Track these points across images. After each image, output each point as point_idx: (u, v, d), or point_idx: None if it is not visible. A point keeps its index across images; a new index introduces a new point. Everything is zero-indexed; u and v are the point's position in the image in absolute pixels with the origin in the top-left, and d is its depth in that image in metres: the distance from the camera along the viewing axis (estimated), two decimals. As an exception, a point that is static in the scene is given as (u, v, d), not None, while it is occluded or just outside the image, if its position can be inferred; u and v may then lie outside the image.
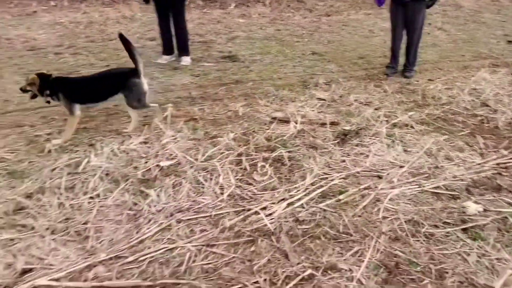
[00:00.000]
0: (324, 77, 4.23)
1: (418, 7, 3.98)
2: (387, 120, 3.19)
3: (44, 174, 2.40)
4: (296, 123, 3.08)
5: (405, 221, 2.05)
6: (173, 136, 2.89)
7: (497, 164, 2.60)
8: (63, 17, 6.67)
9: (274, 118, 3.20)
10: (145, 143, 2.82)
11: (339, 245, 1.91)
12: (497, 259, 1.81)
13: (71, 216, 2.08)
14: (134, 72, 2.85)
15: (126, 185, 2.34)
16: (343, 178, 2.43)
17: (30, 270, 1.74)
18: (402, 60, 4.34)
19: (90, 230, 1.99)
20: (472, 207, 2.15)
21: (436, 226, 2.04)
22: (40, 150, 2.71)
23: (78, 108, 2.85)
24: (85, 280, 1.67)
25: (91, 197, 2.24)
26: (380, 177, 2.44)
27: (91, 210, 2.13)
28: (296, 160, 2.63)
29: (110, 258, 1.81)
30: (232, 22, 6.81)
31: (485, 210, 2.15)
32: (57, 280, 1.66)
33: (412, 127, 3.11)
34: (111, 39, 5.60)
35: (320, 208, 2.16)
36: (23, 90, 2.84)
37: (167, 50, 4.73)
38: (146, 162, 2.56)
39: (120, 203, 2.20)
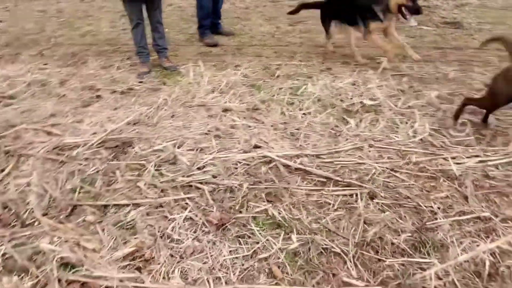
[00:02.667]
0: None
1: None
2: None
3: (273, 90, 3.13)
4: (515, 95, 2.85)
5: None
6: (378, 84, 3.17)
7: None
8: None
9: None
10: (353, 84, 3.21)
11: (529, 208, 1.87)
12: None
13: (288, 121, 2.72)
14: None
15: (332, 111, 2.82)
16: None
17: (259, 147, 2.44)
18: None
19: (300, 134, 2.56)
20: None
21: None
22: (271, 73, 3.48)
23: None
24: (294, 162, 2.25)
25: (304, 113, 2.82)
26: None
27: (302, 122, 2.71)
28: (503, 127, 2.52)
29: (313, 155, 2.33)
30: (465, -12, 6.22)
31: None
32: (276, 156, 2.30)
33: None
34: None
35: (518, 174, 2.10)
36: None
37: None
38: (351, 98, 2.96)
39: (325, 122, 2.70)
